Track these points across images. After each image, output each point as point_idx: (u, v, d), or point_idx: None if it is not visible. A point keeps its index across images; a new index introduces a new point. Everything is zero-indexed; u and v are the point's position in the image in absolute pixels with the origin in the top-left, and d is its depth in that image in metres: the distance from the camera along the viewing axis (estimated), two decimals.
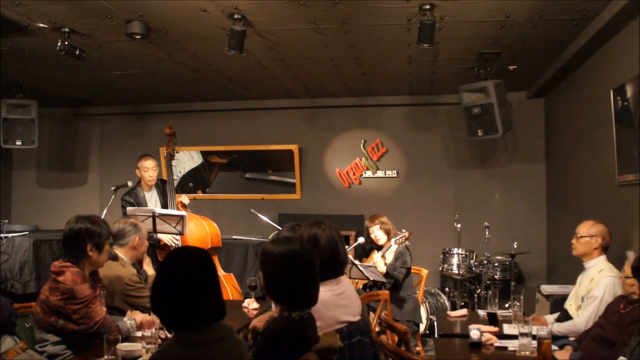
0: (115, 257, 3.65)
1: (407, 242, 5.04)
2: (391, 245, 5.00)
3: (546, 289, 5.13)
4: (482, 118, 6.20)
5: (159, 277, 2.03)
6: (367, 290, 5.04)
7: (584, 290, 3.73)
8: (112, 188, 5.61)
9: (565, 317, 3.84)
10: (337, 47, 5.40)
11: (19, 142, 7.24)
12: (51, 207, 8.38)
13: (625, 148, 4.44)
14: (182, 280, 1.96)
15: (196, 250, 2.08)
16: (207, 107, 8.14)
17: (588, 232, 3.80)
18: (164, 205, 5.57)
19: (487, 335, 3.16)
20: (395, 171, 7.81)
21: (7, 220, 6.10)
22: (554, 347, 3.13)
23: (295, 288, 2.35)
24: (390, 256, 5.05)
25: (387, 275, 4.88)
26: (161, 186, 5.69)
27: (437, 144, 7.70)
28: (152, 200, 5.62)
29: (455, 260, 6.58)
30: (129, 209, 5.21)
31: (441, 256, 6.74)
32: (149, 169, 5.52)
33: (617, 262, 3.80)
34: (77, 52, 5.01)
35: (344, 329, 2.72)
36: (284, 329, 2.26)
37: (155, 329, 2.87)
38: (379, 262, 4.93)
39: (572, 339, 3.56)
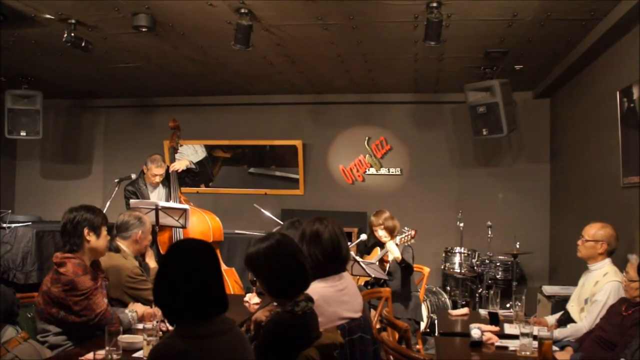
0: (117, 250, 3.66)
1: (412, 241, 5.02)
2: (397, 244, 4.98)
3: (548, 289, 5.12)
4: (487, 117, 6.19)
5: (162, 269, 2.03)
6: (369, 287, 5.03)
7: (587, 292, 3.71)
8: (116, 180, 5.62)
9: (566, 318, 3.83)
10: (343, 43, 5.39)
11: (23, 133, 7.27)
12: (54, 198, 8.39)
13: (630, 150, 4.42)
14: (185, 272, 1.96)
15: (199, 243, 2.07)
16: (212, 101, 8.14)
17: (593, 237, 3.77)
18: (168, 196, 5.58)
19: (488, 335, 3.16)
20: (398, 169, 7.80)
21: (10, 211, 6.11)
22: (554, 348, 3.12)
23: (292, 274, 2.39)
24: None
25: (402, 261, 4.83)
26: (165, 179, 5.68)
27: (441, 142, 7.69)
28: (155, 192, 5.63)
29: (457, 259, 6.58)
30: (132, 201, 5.22)
31: (443, 255, 6.74)
32: (157, 175, 5.53)
33: (619, 263, 3.78)
34: (83, 44, 5.01)
35: (345, 326, 2.72)
36: (287, 323, 2.27)
37: (157, 321, 2.88)
38: (394, 249, 4.87)
39: (573, 340, 3.55)
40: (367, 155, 7.86)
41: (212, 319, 1.97)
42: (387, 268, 5.00)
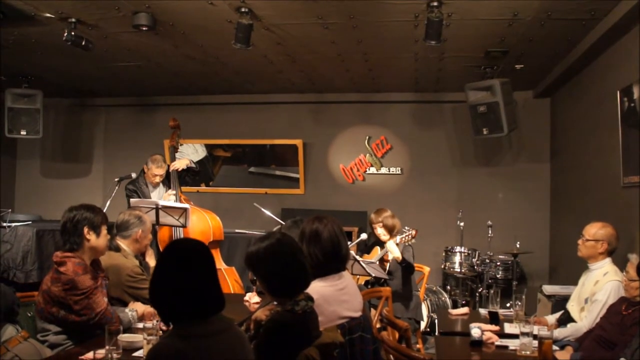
0: (117, 249, 3.66)
1: (413, 240, 5.02)
2: (397, 243, 4.98)
3: (548, 289, 5.12)
4: (488, 116, 6.19)
5: (158, 269, 2.04)
6: (369, 286, 5.03)
7: (588, 292, 3.71)
8: (116, 179, 5.62)
9: (567, 317, 3.83)
10: (343, 42, 5.39)
11: (23, 132, 7.25)
12: (55, 197, 8.39)
13: (630, 149, 4.42)
14: (180, 272, 1.96)
15: (194, 243, 2.08)
16: (212, 100, 8.13)
17: (594, 236, 3.77)
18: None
19: (488, 334, 3.16)
20: (399, 168, 7.80)
21: (10, 210, 6.11)
22: (554, 347, 3.12)
23: (292, 274, 2.39)
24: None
25: (403, 260, 4.84)
26: (165, 178, 5.68)
27: (442, 141, 7.68)
28: (156, 191, 5.64)
29: (457, 259, 6.58)
30: (132, 200, 5.22)
31: (443, 254, 6.74)
32: (157, 176, 5.53)
33: (620, 263, 3.78)
34: (83, 43, 5.01)
35: (345, 325, 2.72)
36: (287, 322, 2.27)
37: (157, 321, 2.87)
38: (394, 249, 4.87)
39: (573, 339, 3.55)
40: (368, 155, 7.86)
41: (209, 318, 1.97)
42: (387, 267, 5.00)
